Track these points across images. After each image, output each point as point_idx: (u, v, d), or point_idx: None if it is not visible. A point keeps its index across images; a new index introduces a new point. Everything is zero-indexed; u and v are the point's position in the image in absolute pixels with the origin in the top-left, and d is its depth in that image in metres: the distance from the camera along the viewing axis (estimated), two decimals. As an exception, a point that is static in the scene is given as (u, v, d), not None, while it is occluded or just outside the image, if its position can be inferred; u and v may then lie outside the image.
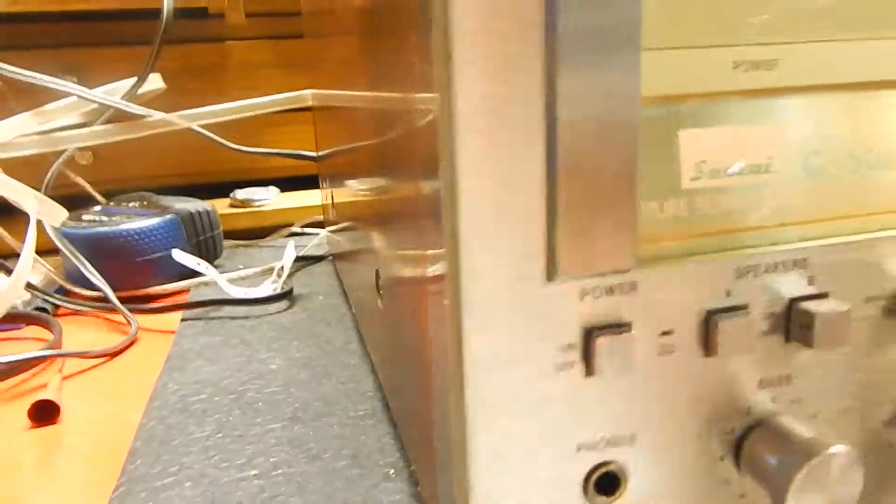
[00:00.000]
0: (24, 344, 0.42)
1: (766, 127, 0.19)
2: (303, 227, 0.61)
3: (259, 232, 0.62)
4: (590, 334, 0.17)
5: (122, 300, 0.46)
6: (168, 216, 0.50)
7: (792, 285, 0.18)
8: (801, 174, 0.19)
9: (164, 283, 0.49)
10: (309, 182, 0.65)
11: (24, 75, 0.45)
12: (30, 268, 0.42)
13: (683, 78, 0.18)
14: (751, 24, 0.18)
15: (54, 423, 0.33)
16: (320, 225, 0.59)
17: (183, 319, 0.44)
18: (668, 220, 0.18)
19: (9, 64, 0.47)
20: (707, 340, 0.18)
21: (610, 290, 0.17)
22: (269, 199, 0.63)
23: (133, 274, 0.48)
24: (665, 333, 0.18)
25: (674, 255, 0.18)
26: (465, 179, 0.15)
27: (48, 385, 0.35)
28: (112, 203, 0.55)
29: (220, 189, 0.66)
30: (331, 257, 0.55)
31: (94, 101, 0.47)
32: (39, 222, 0.46)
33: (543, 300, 0.16)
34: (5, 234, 0.47)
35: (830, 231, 0.19)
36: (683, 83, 0.18)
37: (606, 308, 0.17)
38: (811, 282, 0.18)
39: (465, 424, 0.16)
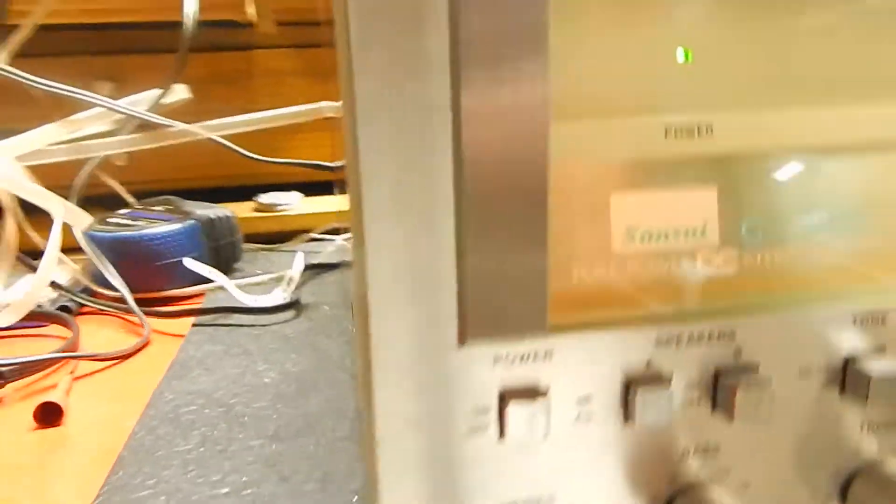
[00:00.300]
0: (46, 342, 0.45)
1: (701, 192, 0.19)
2: (321, 233, 0.62)
3: (282, 236, 0.64)
4: (504, 399, 0.17)
5: (143, 302, 0.48)
6: (188, 222, 0.52)
7: (718, 356, 0.18)
8: (736, 241, 0.19)
9: (183, 287, 0.51)
10: (333, 187, 0.66)
11: (52, 87, 0.47)
12: (51, 270, 0.44)
13: (613, 144, 0.18)
14: (684, 90, 0.18)
15: (58, 425, 0.35)
16: (338, 232, 0.60)
17: (193, 325, 0.46)
18: (593, 286, 0.18)
19: (46, 70, 0.49)
20: (626, 409, 0.18)
21: (524, 357, 0.17)
22: (292, 204, 0.65)
23: (153, 277, 0.50)
24: (583, 400, 0.18)
25: (593, 323, 0.18)
26: (373, 247, 0.16)
27: (57, 387, 0.37)
28: (140, 206, 0.57)
29: (249, 191, 0.68)
30: (342, 265, 0.56)
31: (119, 112, 0.49)
32: (68, 224, 0.49)
33: (455, 364, 0.17)
34: (35, 234, 0.50)
35: (763, 301, 0.19)
36: (613, 149, 0.18)
37: (521, 373, 0.17)
38: (739, 353, 0.18)
39: (375, 480, 0.17)
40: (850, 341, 0.19)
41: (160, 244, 0.50)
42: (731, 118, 0.18)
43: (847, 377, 0.19)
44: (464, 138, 0.15)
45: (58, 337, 0.46)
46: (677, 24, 0.18)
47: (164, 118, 0.51)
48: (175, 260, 0.50)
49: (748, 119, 0.18)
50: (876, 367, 0.18)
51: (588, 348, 0.17)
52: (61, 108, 0.52)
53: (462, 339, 0.17)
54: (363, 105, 0.15)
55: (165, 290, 0.51)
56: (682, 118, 0.18)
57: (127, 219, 0.53)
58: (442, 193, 0.16)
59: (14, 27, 0.52)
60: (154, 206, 0.57)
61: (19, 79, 0.46)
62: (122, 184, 0.62)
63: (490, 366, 0.17)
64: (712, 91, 0.18)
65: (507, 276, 0.16)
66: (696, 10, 0.18)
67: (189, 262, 0.46)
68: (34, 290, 0.44)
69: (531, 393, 0.17)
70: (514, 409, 0.17)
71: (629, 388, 0.18)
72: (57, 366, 0.41)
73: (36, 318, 0.46)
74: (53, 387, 0.38)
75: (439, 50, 0.15)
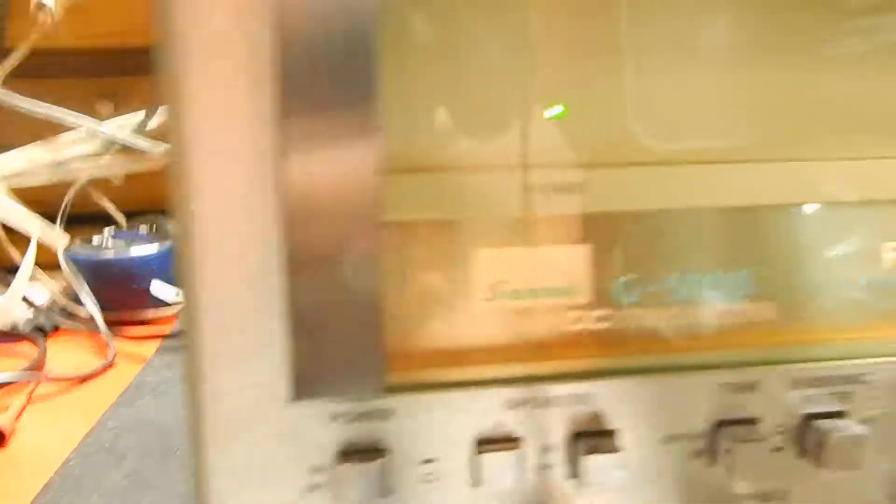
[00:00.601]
0: (14, 360, 0.46)
1: (573, 249, 0.18)
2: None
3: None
4: (341, 458, 0.17)
5: (119, 324, 0.49)
6: (167, 244, 0.52)
7: (573, 420, 0.17)
8: (605, 302, 0.18)
9: (160, 308, 0.51)
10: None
11: (37, 108, 0.48)
12: (22, 290, 0.45)
13: (474, 200, 0.17)
14: (554, 147, 0.18)
15: (1, 448, 0.35)
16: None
17: (159, 349, 0.46)
18: (448, 345, 0.17)
19: (47, 91, 0.51)
20: (475, 472, 0.17)
21: (362, 416, 0.17)
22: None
23: (129, 299, 0.51)
24: (428, 461, 0.17)
25: (440, 383, 0.17)
26: (203, 299, 0.16)
27: (8, 409, 0.38)
28: (126, 227, 0.58)
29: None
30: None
31: (103, 135, 0.50)
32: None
33: (290, 421, 0.16)
34: (14, 251, 0.51)
35: (628, 364, 0.18)
36: (475, 205, 0.17)
37: (360, 432, 0.17)
38: (597, 418, 0.17)
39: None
40: (718, 409, 0.18)
41: (136, 266, 0.50)
42: (603, 176, 0.18)
43: (716, 446, 0.18)
44: (290, 192, 0.15)
45: (29, 356, 0.46)
46: (546, 79, 0.18)
47: (147, 140, 0.52)
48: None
49: (621, 177, 0.18)
50: (741, 436, 0.17)
51: (433, 408, 0.17)
52: (55, 128, 0.54)
53: (295, 395, 0.16)
54: (190, 160, 0.15)
55: (142, 311, 0.51)
56: (550, 175, 0.18)
57: (110, 239, 0.54)
58: (271, 248, 0.15)
59: (11, 50, 0.54)
60: (140, 226, 0.57)
61: (5, 99, 0.48)
62: (118, 202, 0.63)
63: (327, 423, 0.17)
64: (584, 149, 0.18)
65: (337, 335, 0.16)
66: (567, 67, 0.18)
67: (156, 286, 0.47)
68: (4, 308, 0.44)
69: (371, 452, 0.17)
70: (347, 469, 0.16)
71: (478, 450, 0.17)
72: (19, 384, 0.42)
73: (7, 336, 0.47)
74: (6, 409, 0.38)
75: (266, 101, 0.15)
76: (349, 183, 0.15)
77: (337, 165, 0.15)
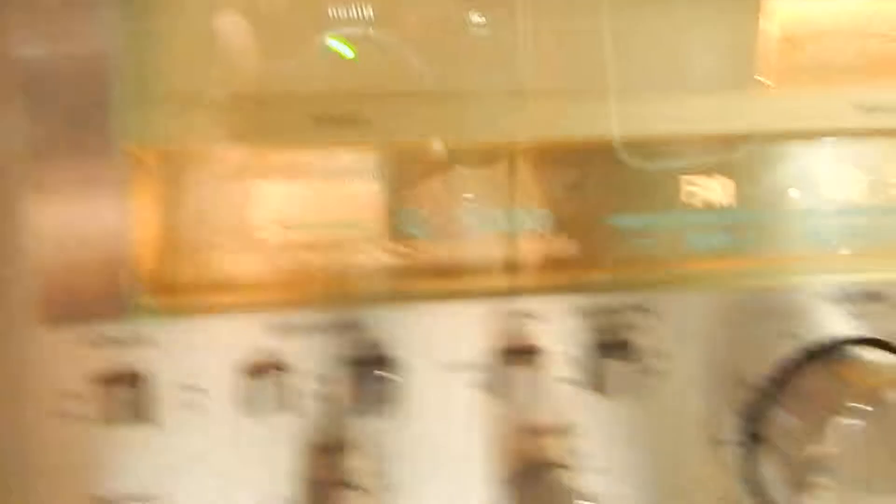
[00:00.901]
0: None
1: (359, 183, 0.17)
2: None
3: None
4: (96, 383, 0.16)
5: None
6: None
7: (346, 347, 0.17)
8: (386, 233, 0.17)
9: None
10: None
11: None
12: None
13: (259, 132, 0.17)
14: (338, 81, 0.17)
15: None
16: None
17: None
18: (216, 274, 0.17)
19: None
20: (240, 398, 0.16)
21: (117, 341, 0.16)
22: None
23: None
24: (190, 387, 0.16)
25: (202, 308, 0.16)
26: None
27: None
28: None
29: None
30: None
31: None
32: None
33: (42, 346, 0.16)
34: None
35: (411, 292, 0.17)
36: (260, 138, 0.17)
37: (119, 358, 0.16)
38: (373, 345, 0.17)
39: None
40: (502, 337, 0.17)
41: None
42: (389, 110, 0.17)
43: (501, 377, 0.17)
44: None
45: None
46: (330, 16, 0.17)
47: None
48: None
49: (405, 109, 0.17)
50: (525, 364, 0.17)
51: (194, 333, 0.16)
52: None
53: (45, 320, 0.16)
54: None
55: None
56: (334, 108, 0.17)
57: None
58: (20, 173, 0.15)
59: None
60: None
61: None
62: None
63: (82, 348, 0.16)
64: (370, 83, 0.17)
65: (86, 261, 0.15)
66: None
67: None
68: None
69: (128, 378, 0.16)
70: (103, 394, 0.16)
71: (245, 377, 0.16)
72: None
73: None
74: None
75: None
76: (89, 115, 0.15)
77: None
